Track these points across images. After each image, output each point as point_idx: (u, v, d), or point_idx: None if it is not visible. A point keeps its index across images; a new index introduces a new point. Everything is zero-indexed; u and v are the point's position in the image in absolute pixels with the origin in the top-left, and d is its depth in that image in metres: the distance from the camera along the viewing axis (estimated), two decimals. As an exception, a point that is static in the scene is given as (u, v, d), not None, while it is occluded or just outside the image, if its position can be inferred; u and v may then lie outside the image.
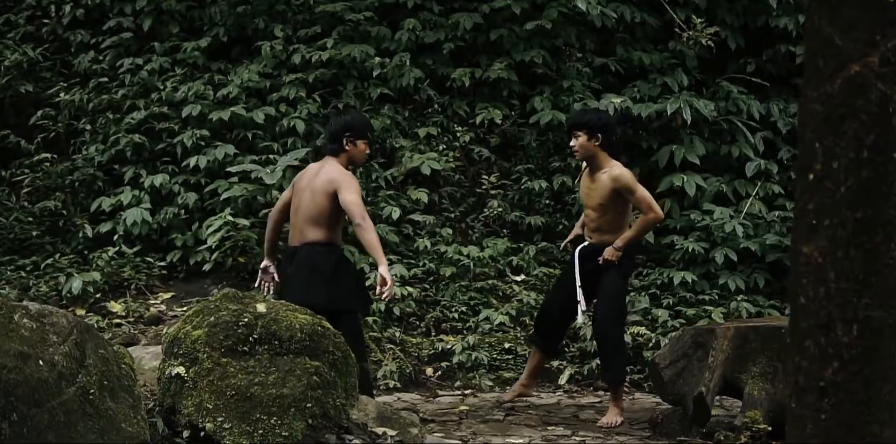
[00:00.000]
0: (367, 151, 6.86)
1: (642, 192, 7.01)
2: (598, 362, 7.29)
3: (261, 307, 5.51)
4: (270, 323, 5.37)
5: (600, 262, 6.85)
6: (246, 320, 5.36)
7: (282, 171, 9.06)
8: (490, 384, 8.46)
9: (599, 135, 6.94)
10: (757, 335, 6.45)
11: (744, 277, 9.19)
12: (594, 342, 7.27)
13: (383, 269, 6.34)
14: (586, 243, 7.14)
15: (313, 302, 6.20)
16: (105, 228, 9.39)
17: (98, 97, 10.06)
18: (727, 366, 6.40)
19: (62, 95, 9.90)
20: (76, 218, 9.52)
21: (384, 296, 6.37)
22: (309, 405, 5.23)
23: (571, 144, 7.09)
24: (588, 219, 7.16)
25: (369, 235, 6.35)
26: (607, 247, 7.00)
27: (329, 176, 6.51)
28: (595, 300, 7.12)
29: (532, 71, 10.17)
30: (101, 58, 10.41)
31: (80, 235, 9.38)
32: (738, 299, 8.97)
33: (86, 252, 9.36)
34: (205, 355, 5.29)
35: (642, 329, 8.69)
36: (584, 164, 7.21)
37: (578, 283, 7.05)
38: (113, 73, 10.28)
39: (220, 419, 5.18)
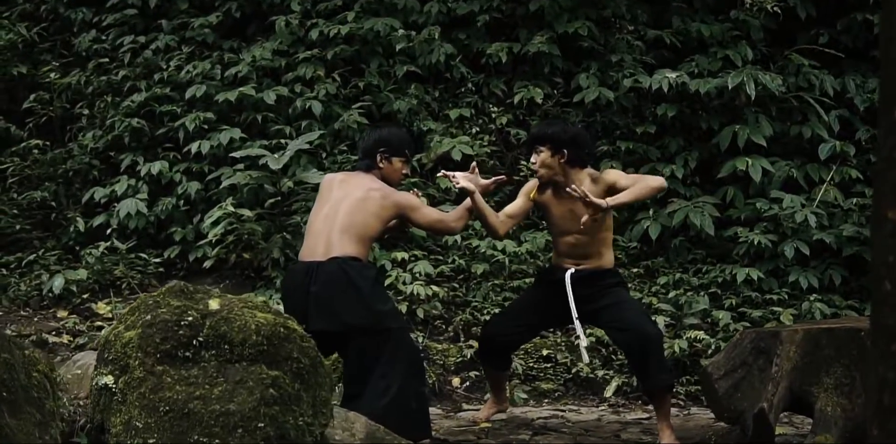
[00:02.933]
0: (405, 172, 5.94)
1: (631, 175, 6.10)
2: (638, 373, 6.10)
3: (213, 304, 4.48)
4: (220, 323, 4.34)
5: (576, 192, 5.65)
6: (190, 319, 4.33)
7: (290, 156, 8.05)
8: (524, 396, 7.43)
9: (565, 151, 5.94)
10: (831, 339, 5.31)
11: (817, 273, 8.10)
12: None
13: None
14: (573, 270, 6.02)
15: (355, 323, 5.39)
16: (98, 221, 8.45)
17: (97, 79, 9.14)
18: (794, 377, 5.26)
19: (52, 75, 8.99)
20: (68, 210, 8.60)
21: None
22: (261, 424, 4.18)
23: (532, 160, 6.08)
24: (570, 247, 6.05)
25: (462, 222, 6.04)
26: (602, 270, 6.01)
27: (389, 199, 5.67)
28: (607, 318, 6.02)
29: (577, 45, 9.12)
30: (103, 37, 9.51)
31: (72, 229, 8.46)
32: (811, 298, 7.88)
33: (77, 248, 8.44)
34: (136, 362, 4.27)
35: (700, 334, 7.62)
36: (535, 184, 6.21)
37: (575, 314, 5.97)
38: (115, 53, 9.37)
39: (150, 440, 4.16)
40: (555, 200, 6.06)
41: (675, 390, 7.35)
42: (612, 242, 6.14)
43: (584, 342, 6.10)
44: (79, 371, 5.12)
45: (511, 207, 6.26)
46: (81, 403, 5.04)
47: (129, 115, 8.80)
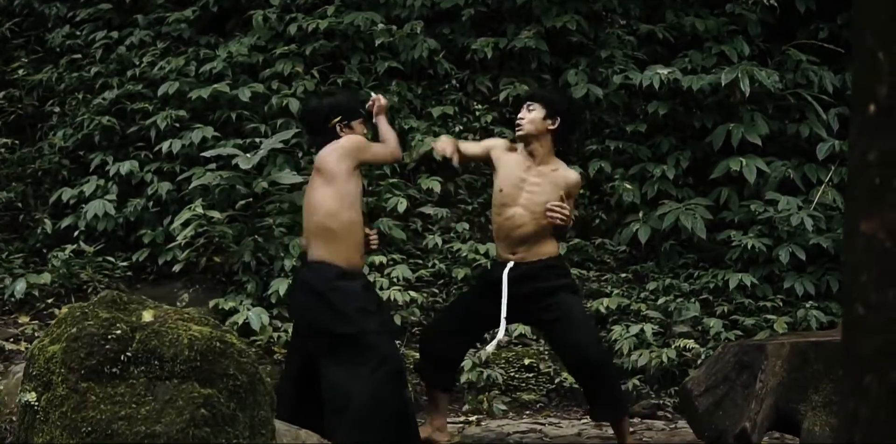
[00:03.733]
0: (365, 132, 5.46)
1: None
2: (587, 399, 5.71)
3: (146, 316, 4.16)
4: (150, 337, 4.00)
5: (549, 209, 5.38)
6: (118, 332, 4.00)
7: (263, 155, 7.72)
8: (504, 407, 7.13)
9: (558, 118, 5.55)
10: (819, 353, 4.96)
11: (814, 279, 7.73)
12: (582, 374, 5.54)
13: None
14: (512, 264, 5.52)
15: (315, 327, 5.15)
16: (66, 222, 8.12)
17: (69, 75, 8.82)
18: (780, 394, 4.92)
19: (20, 71, 8.67)
20: (36, 212, 8.28)
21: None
22: (190, 448, 3.85)
23: (520, 115, 5.65)
24: (513, 225, 5.57)
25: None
26: (544, 264, 5.52)
27: (326, 153, 5.23)
28: (553, 335, 5.59)
29: (566, 40, 8.78)
30: (77, 33, 9.17)
31: (39, 231, 8.14)
32: (807, 305, 7.54)
33: (44, 251, 8.12)
34: (59, 379, 3.94)
35: (690, 342, 7.32)
36: (503, 144, 5.83)
37: (504, 313, 5.45)
38: (88, 49, 9.04)
39: (71, 465, 3.83)
40: (521, 166, 5.60)
41: (661, 402, 7.07)
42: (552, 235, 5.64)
43: (500, 337, 5.56)
44: (1, 387, 4.79)
45: (468, 144, 5.95)
46: (14, 418, 4.72)
47: (101, 113, 8.47)
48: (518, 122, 5.65)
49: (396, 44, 8.64)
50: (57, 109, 8.78)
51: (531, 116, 5.57)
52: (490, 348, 5.80)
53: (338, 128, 5.30)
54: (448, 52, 8.77)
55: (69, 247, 7.86)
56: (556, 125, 5.54)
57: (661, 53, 8.77)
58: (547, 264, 5.52)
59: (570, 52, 8.81)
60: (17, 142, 8.60)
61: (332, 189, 5.20)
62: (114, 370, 3.95)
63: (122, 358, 3.96)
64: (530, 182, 5.52)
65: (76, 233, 8.04)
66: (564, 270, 5.70)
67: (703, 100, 8.34)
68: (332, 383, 5.12)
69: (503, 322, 5.47)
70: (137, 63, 8.73)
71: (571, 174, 5.62)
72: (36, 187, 8.46)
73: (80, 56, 8.98)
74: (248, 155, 7.70)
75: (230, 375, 4.03)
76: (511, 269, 5.50)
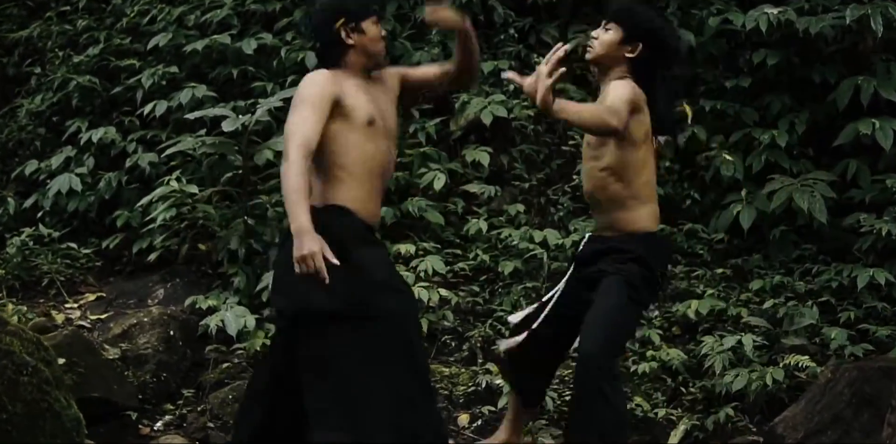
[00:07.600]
0: (383, 34, 4.29)
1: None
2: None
3: None
4: None
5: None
6: None
7: (259, 117, 6.30)
8: (551, 442, 5.71)
9: (640, 44, 4.54)
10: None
11: (971, 277, 6.33)
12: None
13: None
14: (587, 237, 4.80)
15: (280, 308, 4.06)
16: (30, 202, 7.08)
17: (55, 29, 7.73)
18: (921, 445, 3.26)
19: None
20: (2, 190, 7.13)
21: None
22: None
23: (592, 34, 4.68)
24: (588, 189, 4.71)
25: (287, 177, 3.91)
26: (626, 236, 4.52)
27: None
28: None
29: (651, -24, 7.42)
30: (70, -17, 8.08)
31: (1, 212, 7.03)
32: (964, 311, 6.12)
33: (6, 236, 7.03)
34: None
35: (805, 360, 5.87)
36: None
37: (547, 297, 4.70)
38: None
39: None
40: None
41: (763, 439, 5.49)
42: (646, 188, 4.54)
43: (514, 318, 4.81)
44: None
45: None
46: None
47: (82, 72, 7.27)
48: (588, 43, 4.70)
49: (442, -15, 7.27)
50: (38, 70, 7.63)
51: (605, 39, 4.60)
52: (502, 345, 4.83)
53: (343, 33, 4.17)
54: (505, -7, 7.57)
55: (26, 231, 6.63)
56: (635, 53, 4.53)
57: (771, -9, 7.42)
58: (622, 240, 4.52)
59: (657, -7, 7.58)
60: (-14, 108, 7.44)
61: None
62: None
63: None
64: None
65: (40, 214, 6.92)
66: (640, 246, 4.53)
67: (824, 48, 7.00)
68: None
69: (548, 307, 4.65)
70: (129, 13, 7.47)
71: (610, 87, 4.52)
72: (6, 161, 7.34)
73: (68, 8, 7.82)
74: (238, 117, 6.27)
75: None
76: (587, 241, 4.73)
